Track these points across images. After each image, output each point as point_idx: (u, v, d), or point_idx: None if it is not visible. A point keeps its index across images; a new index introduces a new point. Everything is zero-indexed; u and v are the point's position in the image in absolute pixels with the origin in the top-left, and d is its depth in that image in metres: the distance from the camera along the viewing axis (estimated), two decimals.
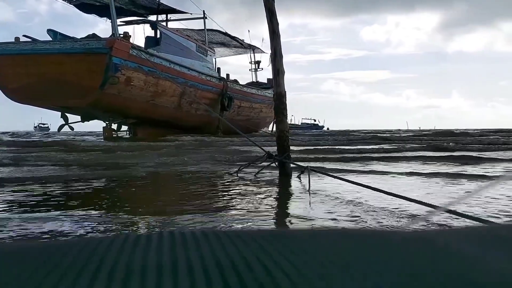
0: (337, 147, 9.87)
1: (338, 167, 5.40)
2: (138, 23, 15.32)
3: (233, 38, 19.64)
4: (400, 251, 0.43)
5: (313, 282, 0.34)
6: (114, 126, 14.21)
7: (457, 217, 2.31)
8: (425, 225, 2.32)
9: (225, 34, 19.04)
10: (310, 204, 3.00)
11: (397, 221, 2.46)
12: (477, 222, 2.23)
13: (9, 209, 2.88)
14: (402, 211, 2.69)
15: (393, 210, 2.72)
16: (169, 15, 16.81)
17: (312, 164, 4.96)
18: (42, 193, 3.53)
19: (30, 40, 12.04)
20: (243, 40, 20.54)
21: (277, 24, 4.40)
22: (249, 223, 2.39)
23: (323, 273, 0.36)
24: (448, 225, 2.28)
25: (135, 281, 0.34)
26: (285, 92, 4.55)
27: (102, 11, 14.08)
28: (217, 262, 0.38)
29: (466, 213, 2.35)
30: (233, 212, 2.76)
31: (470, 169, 5.26)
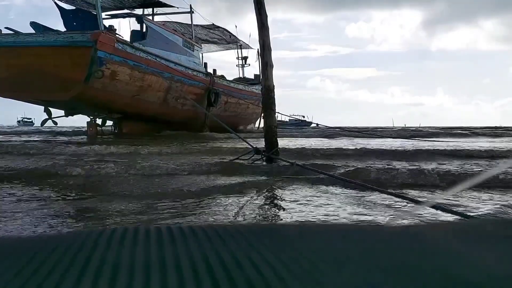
0: None
1: None
2: (123, 17, 15.09)
3: (225, 30, 19.47)
4: (388, 247, 0.43)
5: (302, 278, 0.34)
6: (99, 121, 13.99)
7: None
8: (411, 220, 2.31)
9: (216, 26, 18.84)
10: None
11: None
12: (463, 218, 2.24)
13: None
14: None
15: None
16: (155, 9, 16.60)
17: None
18: None
19: (12, 32, 11.77)
20: (232, 35, 20.41)
21: (266, 16, 4.34)
22: None
23: (312, 269, 0.36)
24: (434, 220, 2.28)
25: (122, 277, 0.34)
26: (274, 86, 4.51)
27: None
28: (204, 258, 0.37)
29: (451, 209, 2.35)
30: None
31: None
